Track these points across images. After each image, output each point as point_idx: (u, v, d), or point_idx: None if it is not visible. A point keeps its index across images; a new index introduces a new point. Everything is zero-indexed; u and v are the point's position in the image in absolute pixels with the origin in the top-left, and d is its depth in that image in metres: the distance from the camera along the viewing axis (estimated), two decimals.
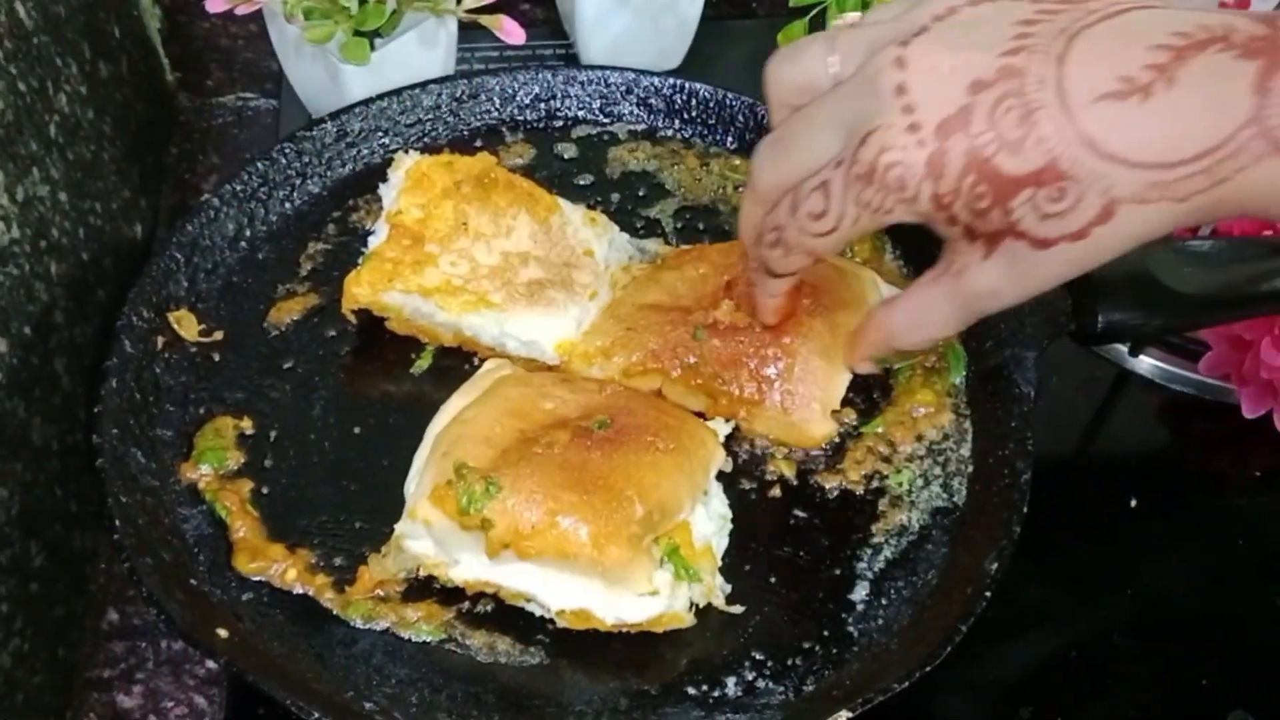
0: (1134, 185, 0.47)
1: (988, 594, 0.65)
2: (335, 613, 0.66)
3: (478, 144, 0.89)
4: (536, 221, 0.78)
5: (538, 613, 0.66)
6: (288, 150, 0.84)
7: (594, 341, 0.75)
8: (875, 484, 0.73)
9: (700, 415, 0.73)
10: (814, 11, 0.91)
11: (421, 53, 0.90)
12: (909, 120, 0.50)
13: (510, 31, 0.87)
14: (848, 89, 0.54)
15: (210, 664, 0.73)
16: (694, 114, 0.91)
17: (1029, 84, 0.48)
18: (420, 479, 0.66)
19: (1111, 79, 0.47)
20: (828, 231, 0.56)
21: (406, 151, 0.81)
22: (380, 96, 0.87)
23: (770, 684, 0.65)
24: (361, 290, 0.74)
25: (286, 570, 0.67)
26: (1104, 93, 0.47)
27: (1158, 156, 0.47)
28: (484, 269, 0.76)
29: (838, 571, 0.70)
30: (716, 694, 0.64)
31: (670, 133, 0.91)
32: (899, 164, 0.51)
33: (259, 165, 0.83)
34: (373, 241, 0.77)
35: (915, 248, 0.83)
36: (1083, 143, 0.47)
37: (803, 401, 0.72)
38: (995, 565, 0.66)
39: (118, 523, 0.64)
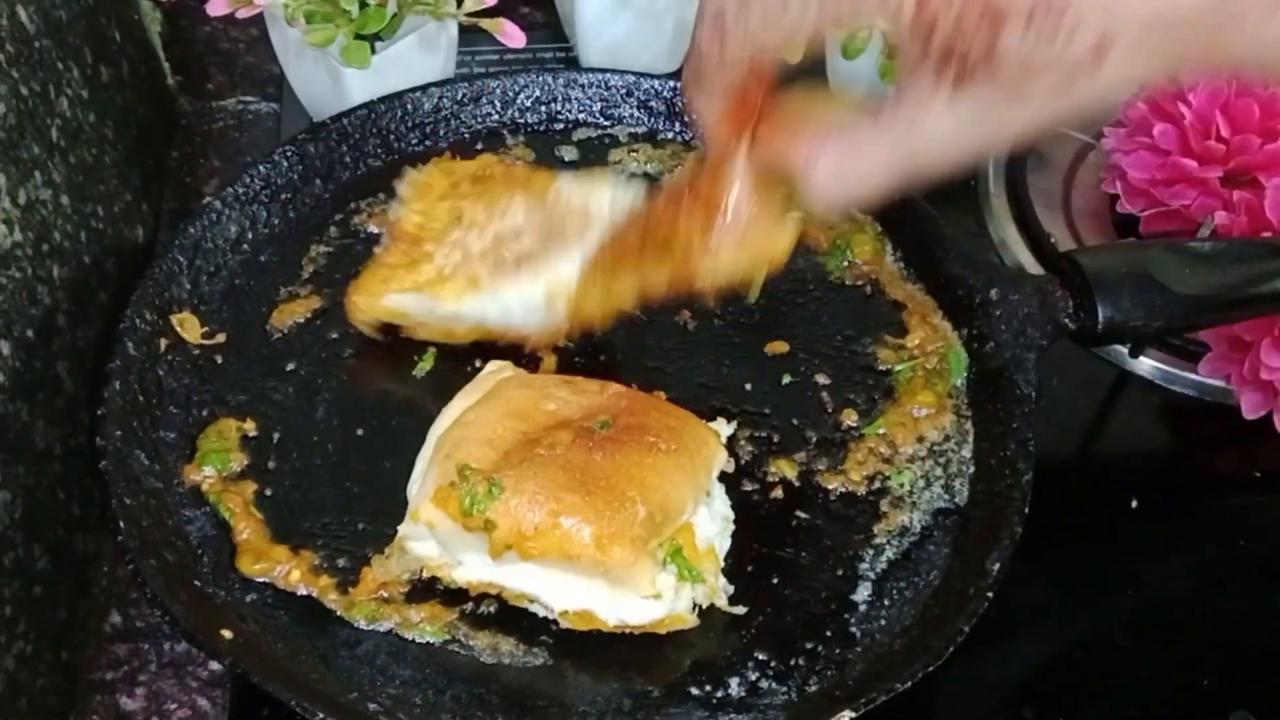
0: (1133, 27, 0.43)
1: (989, 594, 0.65)
2: (339, 614, 0.66)
3: (479, 147, 0.89)
4: (533, 198, 0.77)
5: (541, 614, 0.66)
6: (289, 153, 0.84)
7: (582, 279, 0.72)
8: (877, 485, 0.73)
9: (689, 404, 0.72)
10: None
11: (422, 56, 0.90)
12: None
13: (510, 34, 0.88)
14: None
15: (213, 666, 0.73)
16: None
17: None
18: (423, 481, 0.66)
19: None
20: (777, 28, 0.49)
21: (415, 166, 0.81)
22: (381, 100, 0.88)
23: (773, 684, 0.65)
24: (361, 298, 0.74)
25: (290, 572, 0.67)
26: None
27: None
28: (475, 253, 0.75)
29: (840, 572, 0.70)
30: (720, 694, 0.64)
31: (671, 135, 0.92)
32: None
33: (261, 168, 0.83)
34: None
35: (916, 249, 0.83)
36: None
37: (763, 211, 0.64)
38: (997, 566, 0.66)
39: (122, 524, 0.64)
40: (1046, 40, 0.44)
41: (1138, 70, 0.45)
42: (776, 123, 0.57)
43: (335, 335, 0.78)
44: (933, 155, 0.50)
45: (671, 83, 0.91)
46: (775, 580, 0.69)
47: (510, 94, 0.91)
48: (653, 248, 0.66)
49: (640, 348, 0.80)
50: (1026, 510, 0.69)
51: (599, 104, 0.92)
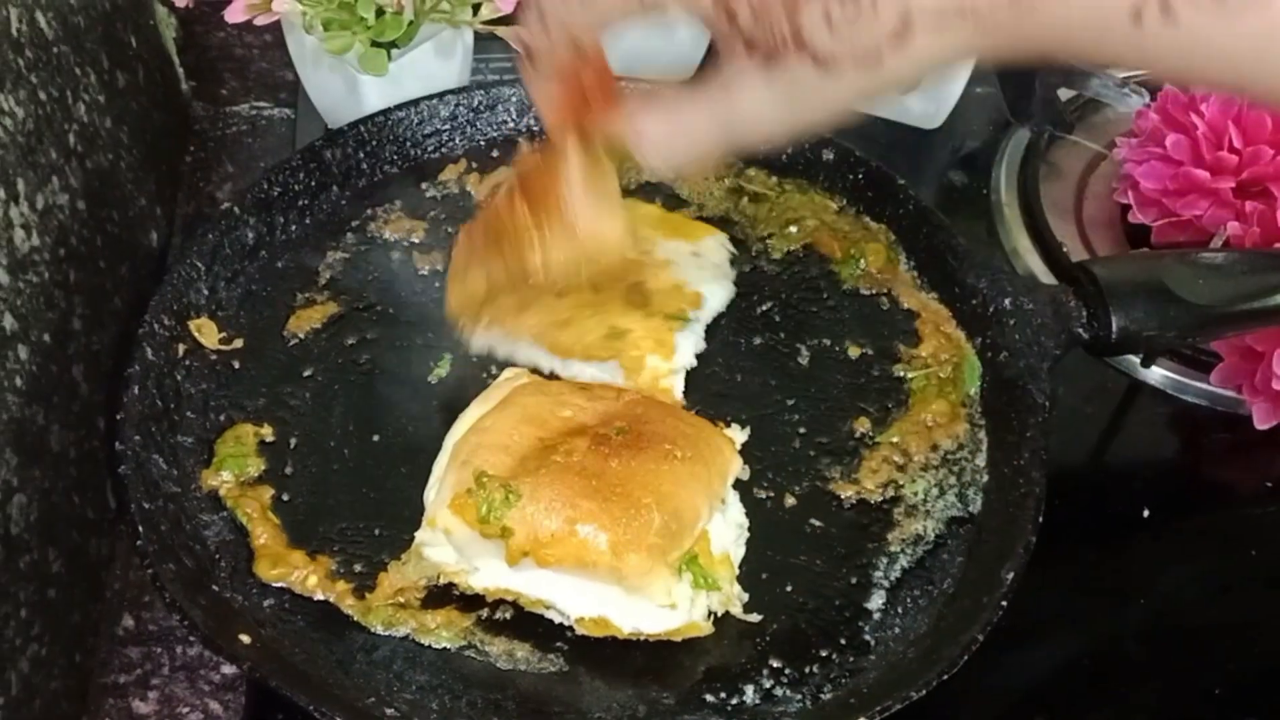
0: (928, 13, 0.44)
1: (1003, 603, 0.65)
2: (356, 619, 0.66)
3: (494, 154, 0.90)
4: None
5: (557, 620, 0.66)
6: (307, 160, 0.85)
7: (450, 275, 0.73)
8: (891, 493, 0.73)
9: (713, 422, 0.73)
10: None
11: (438, 64, 0.91)
12: None
13: None
14: None
15: (226, 670, 0.73)
16: None
17: None
18: (440, 487, 0.67)
19: None
20: (589, 13, 0.54)
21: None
22: (398, 107, 0.88)
23: (788, 692, 0.65)
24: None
25: (307, 577, 0.67)
26: None
27: None
28: None
29: (854, 580, 0.70)
30: (735, 702, 0.65)
31: None
32: None
33: (279, 174, 0.83)
34: None
35: (930, 258, 0.84)
36: None
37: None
38: (1011, 575, 0.66)
39: (141, 529, 0.65)
40: (848, 23, 0.45)
41: (946, 49, 0.46)
42: (610, 97, 0.60)
43: (352, 341, 0.78)
44: (749, 126, 0.52)
45: None
46: (789, 588, 0.69)
47: (526, 101, 0.91)
48: (493, 241, 0.67)
49: None
50: (1040, 519, 0.69)
51: None
